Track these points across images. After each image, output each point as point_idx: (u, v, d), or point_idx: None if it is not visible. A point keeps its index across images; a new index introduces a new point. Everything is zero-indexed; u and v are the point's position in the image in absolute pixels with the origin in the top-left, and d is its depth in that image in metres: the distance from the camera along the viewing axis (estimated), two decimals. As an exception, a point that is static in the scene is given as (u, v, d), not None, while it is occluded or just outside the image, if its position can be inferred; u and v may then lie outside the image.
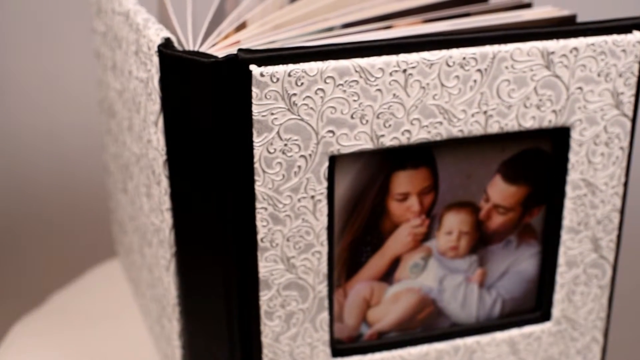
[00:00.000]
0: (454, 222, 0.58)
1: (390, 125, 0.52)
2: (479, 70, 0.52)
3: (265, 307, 0.55)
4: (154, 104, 0.53)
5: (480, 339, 0.61)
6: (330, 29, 0.58)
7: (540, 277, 0.61)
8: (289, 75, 0.50)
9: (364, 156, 0.54)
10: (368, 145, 0.53)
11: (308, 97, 0.50)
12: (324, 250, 0.55)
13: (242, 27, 0.59)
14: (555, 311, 0.61)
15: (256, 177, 0.52)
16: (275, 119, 0.50)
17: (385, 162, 0.55)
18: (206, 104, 0.51)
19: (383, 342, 0.60)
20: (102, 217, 0.97)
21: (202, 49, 0.54)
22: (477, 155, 0.56)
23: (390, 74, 0.51)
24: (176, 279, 0.57)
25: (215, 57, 0.50)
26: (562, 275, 0.60)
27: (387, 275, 0.58)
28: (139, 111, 0.58)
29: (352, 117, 0.52)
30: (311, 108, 0.51)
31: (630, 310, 1.03)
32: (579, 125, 0.56)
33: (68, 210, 1.07)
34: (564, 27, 0.54)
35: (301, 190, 0.53)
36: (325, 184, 0.53)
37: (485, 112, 0.54)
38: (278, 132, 0.51)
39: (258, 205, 0.53)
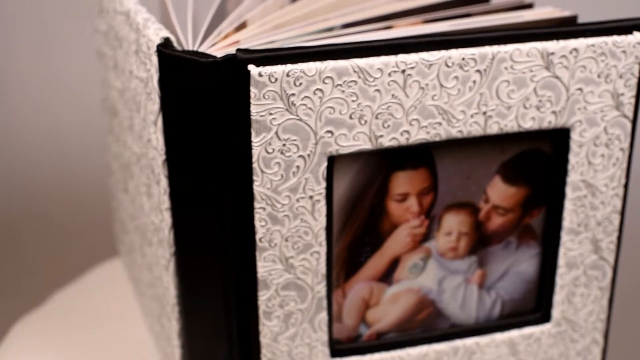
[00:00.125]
0: (453, 223, 0.58)
1: (389, 126, 0.52)
2: (478, 70, 0.52)
3: (263, 307, 0.55)
4: (154, 104, 0.53)
5: (479, 340, 0.61)
6: (330, 29, 0.58)
7: (540, 279, 0.61)
8: (288, 75, 0.50)
9: (362, 156, 0.54)
10: (367, 145, 0.53)
11: (306, 97, 0.50)
12: (323, 250, 0.55)
13: (242, 26, 0.59)
14: (555, 312, 0.61)
15: (254, 177, 0.52)
16: (274, 119, 0.50)
17: (384, 162, 0.55)
18: (205, 103, 0.51)
19: (382, 343, 0.60)
20: (104, 217, 0.97)
21: (202, 49, 0.54)
22: (477, 156, 0.56)
23: (389, 75, 0.51)
24: (175, 278, 0.57)
25: (214, 57, 0.50)
26: (562, 277, 0.60)
27: (386, 276, 0.58)
28: (139, 111, 0.58)
29: (350, 117, 0.52)
30: (310, 108, 0.51)
31: (631, 312, 1.03)
32: (579, 126, 0.56)
33: (70, 209, 1.07)
34: (564, 28, 0.54)
35: (300, 191, 0.53)
36: (323, 184, 0.53)
37: (484, 113, 0.54)
38: (276, 132, 0.51)
39: (256, 205, 0.53)
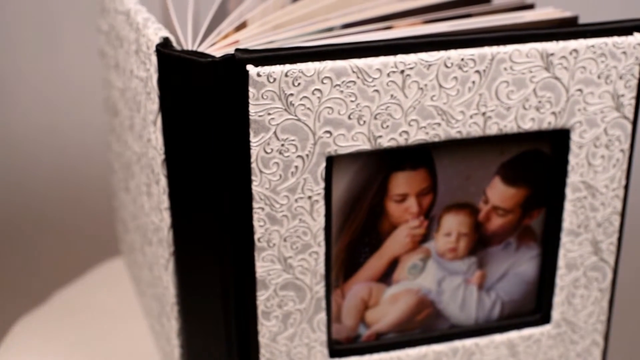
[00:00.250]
0: (452, 224, 0.58)
1: (387, 126, 0.52)
2: (477, 71, 0.52)
3: (262, 307, 0.55)
4: (153, 103, 0.54)
5: (479, 341, 0.61)
6: (330, 29, 0.57)
7: (540, 280, 0.61)
8: (286, 75, 0.50)
9: (361, 157, 0.54)
10: (365, 146, 0.53)
11: (305, 97, 0.50)
12: (321, 250, 0.55)
13: (242, 26, 0.59)
14: (555, 314, 0.61)
15: (253, 177, 0.52)
16: (272, 119, 0.50)
17: (383, 162, 0.54)
18: (203, 103, 0.51)
19: (381, 343, 0.59)
20: (106, 216, 0.98)
21: (201, 49, 0.54)
22: (476, 156, 0.56)
23: (388, 75, 0.51)
24: (174, 278, 0.57)
25: (213, 56, 0.50)
26: (562, 278, 0.60)
27: (386, 276, 0.58)
28: (140, 110, 0.58)
29: (349, 117, 0.52)
30: (308, 108, 0.51)
31: (631, 313, 1.03)
32: (579, 127, 0.55)
33: (72, 208, 1.07)
34: (564, 29, 0.53)
35: (298, 191, 0.53)
36: (322, 184, 0.53)
37: (483, 114, 0.54)
38: (275, 132, 0.51)
39: (255, 205, 0.53)
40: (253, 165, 0.51)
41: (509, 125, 0.54)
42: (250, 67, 0.49)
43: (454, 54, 0.52)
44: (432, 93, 0.52)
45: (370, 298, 0.58)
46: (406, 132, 0.53)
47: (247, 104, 0.50)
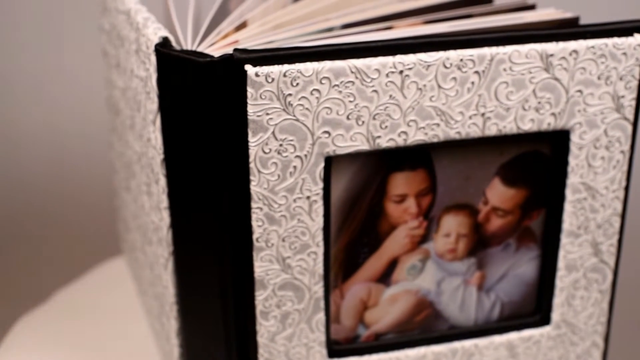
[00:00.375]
0: (452, 225, 0.58)
1: (386, 127, 0.52)
2: (476, 72, 0.52)
3: (260, 307, 0.55)
4: (152, 103, 0.54)
5: (478, 342, 0.61)
6: (330, 30, 0.57)
7: (540, 281, 0.61)
8: (284, 75, 0.50)
9: (360, 157, 0.54)
10: (364, 146, 0.53)
11: (303, 97, 0.50)
12: (320, 251, 0.55)
13: (242, 26, 0.59)
14: (555, 315, 0.61)
15: (251, 177, 0.52)
16: (271, 119, 0.50)
17: (382, 163, 0.54)
18: (201, 103, 0.51)
19: (380, 344, 0.59)
20: (108, 215, 0.98)
21: (200, 49, 0.54)
22: (476, 157, 0.56)
23: (387, 75, 0.51)
24: (174, 277, 0.57)
25: (211, 56, 0.50)
26: (562, 279, 0.60)
27: (385, 277, 0.58)
28: (140, 110, 0.58)
29: (348, 118, 0.51)
30: (306, 108, 0.51)
31: (632, 315, 1.03)
32: (579, 128, 0.55)
33: (74, 207, 1.07)
34: (563, 30, 0.53)
35: (297, 191, 0.53)
36: (321, 184, 0.53)
37: (483, 115, 0.53)
38: (273, 132, 0.51)
39: (253, 205, 0.53)
40: (251, 165, 0.51)
41: (509, 126, 0.54)
42: (248, 67, 0.49)
43: (453, 55, 0.52)
44: (431, 93, 0.52)
45: (369, 298, 0.58)
46: (405, 132, 0.53)
47: (245, 104, 0.50)
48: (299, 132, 0.51)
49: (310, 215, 0.54)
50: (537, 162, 0.57)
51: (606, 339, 0.63)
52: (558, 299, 0.60)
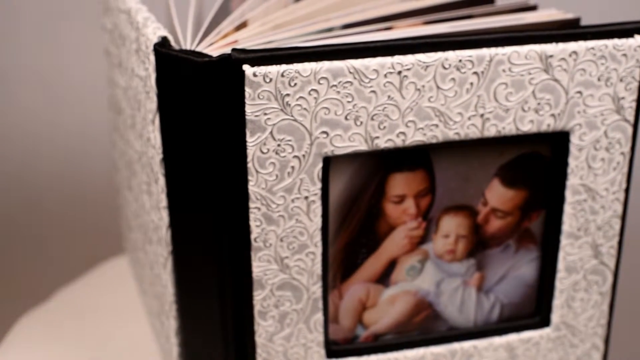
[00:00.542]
0: (451, 225, 0.57)
1: (385, 127, 0.52)
2: (475, 73, 0.52)
3: (258, 306, 0.55)
4: (152, 102, 0.54)
5: (477, 343, 0.60)
6: (330, 30, 0.57)
7: (540, 283, 0.61)
8: (282, 75, 0.50)
9: (359, 157, 0.54)
10: (362, 146, 0.52)
11: (301, 97, 0.50)
12: (318, 251, 0.55)
13: (243, 26, 0.59)
14: (555, 317, 0.61)
15: (249, 177, 0.52)
16: (269, 119, 0.50)
17: (380, 163, 0.54)
18: (200, 103, 0.51)
19: (379, 344, 0.59)
20: (111, 214, 0.98)
21: (199, 48, 0.54)
22: (475, 158, 0.56)
23: (385, 76, 0.51)
24: (173, 277, 0.57)
25: (209, 56, 0.50)
26: (562, 281, 0.60)
27: (383, 278, 0.58)
28: (140, 109, 0.58)
29: (346, 118, 0.51)
30: (304, 109, 0.51)
31: (632, 317, 1.02)
32: (579, 129, 0.55)
33: (77, 205, 1.08)
34: (563, 31, 0.53)
35: (295, 191, 0.53)
36: (319, 185, 0.53)
37: (482, 115, 0.53)
38: (271, 133, 0.51)
39: (251, 205, 0.53)
40: (249, 165, 0.51)
41: (508, 127, 0.54)
42: (246, 67, 0.49)
43: (452, 55, 0.51)
44: (429, 94, 0.52)
45: (368, 299, 0.58)
46: (403, 133, 0.53)
47: (243, 104, 0.50)
48: (297, 132, 0.51)
49: (309, 215, 0.53)
50: (536, 163, 0.57)
51: (606, 341, 0.63)
52: (558, 301, 0.60)
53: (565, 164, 0.56)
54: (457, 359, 0.61)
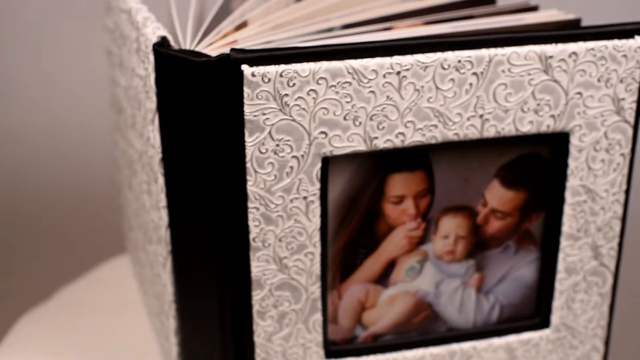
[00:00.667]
0: (450, 226, 0.57)
1: (383, 128, 0.52)
2: (474, 73, 0.52)
3: (257, 306, 0.55)
4: (151, 102, 0.54)
5: (477, 344, 0.60)
6: (330, 30, 0.57)
7: (539, 284, 0.60)
8: (281, 75, 0.50)
9: (358, 158, 0.54)
10: (361, 147, 0.52)
11: (300, 97, 0.50)
12: (317, 251, 0.55)
13: (243, 26, 0.59)
14: (554, 318, 0.61)
15: (248, 177, 0.52)
16: (267, 119, 0.50)
17: (380, 164, 0.54)
18: (198, 103, 0.51)
19: (378, 345, 0.59)
20: (112, 213, 0.98)
21: (199, 48, 0.54)
22: (474, 159, 0.56)
23: (384, 76, 0.51)
24: (172, 276, 0.57)
25: (208, 56, 0.50)
26: (562, 282, 0.59)
27: (383, 278, 0.58)
28: (140, 109, 0.58)
29: (344, 118, 0.51)
30: (303, 109, 0.51)
31: (632, 319, 1.02)
32: (579, 130, 0.55)
33: (78, 205, 1.08)
34: (562, 31, 0.53)
35: (293, 191, 0.53)
36: (317, 185, 0.53)
37: (481, 116, 0.53)
38: (270, 133, 0.51)
39: (250, 205, 0.53)
40: (248, 165, 0.51)
41: (507, 128, 0.54)
42: (245, 67, 0.49)
43: (451, 56, 0.51)
44: (428, 95, 0.52)
45: (367, 299, 0.58)
46: (402, 133, 0.53)
47: (241, 104, 0.50)
48: (296, 132, 0.51)
49: (307, 215, 0.53)
50: (536, 164, 0.57)
51: (606, 343, 0.63)
52: (558, 302, 0.60)
53: (565, 165, 0.56)
54: (456, 359, 0.60)
